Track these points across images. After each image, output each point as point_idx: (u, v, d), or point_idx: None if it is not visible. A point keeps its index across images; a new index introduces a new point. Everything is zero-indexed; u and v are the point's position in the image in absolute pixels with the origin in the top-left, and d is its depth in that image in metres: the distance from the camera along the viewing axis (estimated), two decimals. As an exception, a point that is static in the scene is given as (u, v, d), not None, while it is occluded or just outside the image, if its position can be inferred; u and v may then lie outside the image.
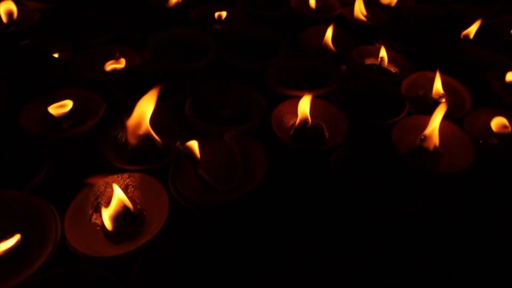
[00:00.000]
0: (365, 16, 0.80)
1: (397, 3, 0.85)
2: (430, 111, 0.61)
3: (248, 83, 0.62)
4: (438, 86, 0.61)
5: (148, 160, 0.51)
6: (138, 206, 0.47)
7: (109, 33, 0.71)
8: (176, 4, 0.80)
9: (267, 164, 0.46)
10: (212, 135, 0.52)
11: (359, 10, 0.79)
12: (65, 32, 0.72)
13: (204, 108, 0.59)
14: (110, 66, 0.65)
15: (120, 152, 0.53)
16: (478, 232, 0.48)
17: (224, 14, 0.77)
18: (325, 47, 0.70)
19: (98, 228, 0.45)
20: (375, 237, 0.47)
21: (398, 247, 0.46)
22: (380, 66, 0.67)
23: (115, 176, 0.47)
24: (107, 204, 0.45)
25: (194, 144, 0.48)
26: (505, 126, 0.56)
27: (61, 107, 0.54)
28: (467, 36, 0.73)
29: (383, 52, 0.66)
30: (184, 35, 0.72)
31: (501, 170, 0.53)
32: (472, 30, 0.72)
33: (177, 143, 0.49)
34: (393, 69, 0.69)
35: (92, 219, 0.45)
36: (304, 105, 0.55)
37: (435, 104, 0.62)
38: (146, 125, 0.52)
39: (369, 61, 0.70)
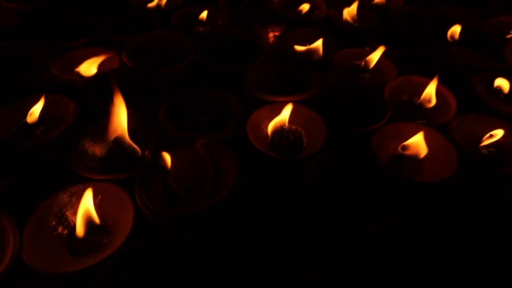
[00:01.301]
0: (352, 19, 0.78)
1: (386, 4, 0.83)
2: (413, 117, 0.60)
3: (228, 88, 0.61)
4: (431, 91, 0.59)
5: (119, 169, 0.49)
6: (105, 217, 0.45)
7: (88, 35, 0.69)
8: (159, 7, 0.79)
9: (238, 174, 0.45)
10: (184, 142, 0.51)
11: (348, 13, 0.77)
12: (43, 35, 0.70)
13: (179, 113, 0.58)
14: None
15: (89, 160, 0.51)
16: (461, 243, 0.46)
17: (204, 16, 0.75)
18: (307, 50, 0.68)
19: (61, 240, 0.43)
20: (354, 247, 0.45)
21: (375, 259, 0.45)
22: (365, 70, 0.65)
23: (81, 186, 0.46)
24: (73, 214, 0.44)
25: (163, 153, 0.47)
26: (490, 134, 0.54)
27: (30, 114, 0.52)
28: (453, 38, 0.71)
29: (373, 55, 0.64)
30: (164, 38, 0.70)
31: (485, 178, 0.51)
32: (455, 30, 0.70)
33: (146, 152, 0.48)
34: (379, 72, 0.67)
35: (55, 231, 0.43)
36: (284, 113, 0.53)
37: (419, 109, 0.60)
38: (121, 132, 0.50)
39: (354, 64, 0.68)
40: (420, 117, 0.59)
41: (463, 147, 0.54)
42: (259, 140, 0.55)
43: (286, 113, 0.52)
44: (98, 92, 0.59)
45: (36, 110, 0.53)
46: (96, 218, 0.44)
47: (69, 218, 0.44)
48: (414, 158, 0.53)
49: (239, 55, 0.70)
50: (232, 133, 0.53)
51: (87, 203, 0.44)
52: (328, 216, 0.44)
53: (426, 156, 0.54)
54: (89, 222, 0.43)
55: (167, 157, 0.46)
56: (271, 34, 0.79)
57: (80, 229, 0.43)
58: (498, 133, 0.53)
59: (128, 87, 0.63)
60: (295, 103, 0.54)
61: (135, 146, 0.49)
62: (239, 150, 0.51)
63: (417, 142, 0.51)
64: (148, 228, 0.44)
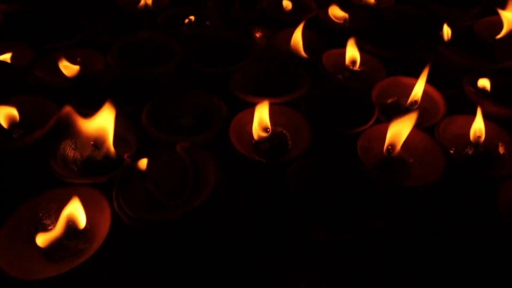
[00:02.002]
0: (342, 18, 0.77)
1: (377, 4, 0.83)
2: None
3: (216, 89, 0.60)
4: (417, 92, 0.58)
5: (99, 172, 0.49)
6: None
7: (74, 37, 0.68)
8: (147, 7, 0.78)
9: (217, 178, 0.44)
10: (166, 145, 0.50)
11: (332, 12, 0.76)
12: (29, 36, 0.70)
13: (163, 115, 0.57)
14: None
15: (70, 164, 0.51)
16: (449, 247, 0.46)
17: (193, 17, 0.74)
18: (295, 50, 0.67)
19: (37, 246, 0.42)
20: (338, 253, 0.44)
21: (360, 264, 0.44)
22: (351, 70, 0.64)
23: (59, 190, 0.45)
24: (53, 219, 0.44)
25: (142, 156, 0.46)
26: (478, 136, 0.53)
27: (8, 117, 0.52)
28: (444, 39, 0.70)
29: (351, 53, 0.63)
30: (151, 40, 0.69)
31: (473, 180, 0.50)
32: (446, 31, 0.69)
33: (125, 155, 0.47)
34: (366, 73, 0.66)
35: (31, 237, 0.42)
36: (261, 113, 0.52)
37: (407, 111, 0.59)
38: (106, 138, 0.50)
39: (341, 65, 0.67)
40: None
41: (450, 149, 0.53)
42: (243, 143, 0.54)
43: (264, 113, 0.51)
44: (82, 95, 0.58)
45: (11, 114, 0.53)
46: (80, 223, 0.43)
47: (46, 224, 0.44)
48: (401, 161, 0.52)
49: (227, 56, 0.69)
50: (215, 136, 0.52)
51: (74, 207, 0.43)
52: (312, 221, 0.43)
53: (414, 159, 0.53)
54: (69, 226, 0.43)
55: (146, 161, 0.46)
56: (261, 35, 0.78)
57: (58, 234, 0.42)
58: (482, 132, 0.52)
59: (112, 89, 0.62)
60: (276, 104, 0.53)
61: (113, 151, 0.49)
62: (223, 153, 0.51)
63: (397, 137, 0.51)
64: (127, 233, 0.43)
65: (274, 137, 0.53)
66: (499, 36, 0.69)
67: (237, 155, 0.50)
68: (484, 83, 0.60)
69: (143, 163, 0.46)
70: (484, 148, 0.53)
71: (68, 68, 0.60)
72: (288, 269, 0.43)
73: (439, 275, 0.44)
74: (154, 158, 0.48)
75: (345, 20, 0.75)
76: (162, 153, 0.49)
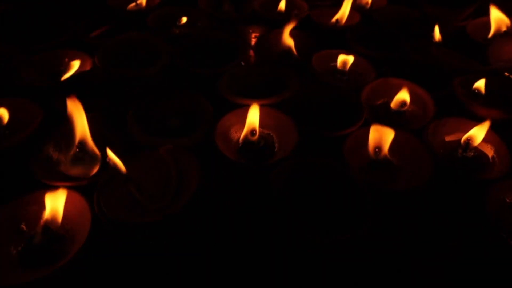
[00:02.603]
0: (335, 19, 0.76)
1: (371, 5, 0.82)
2: (390, 121, 0.58)
3: (204, 90, 0.59)
4: (403, 94, 0.57)
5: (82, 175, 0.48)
6: (65, 225, 0.44)
7: (62, 37, 0.68)
8: (138, 8, 0.77)
9: (199, 182, 0.43)
10: (150, 147, 0.49)
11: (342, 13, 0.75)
12: (15, 36, 0.69)
13: (150, 117, 0.56)
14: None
15: (54, 166, 0.50)
16: (434, 252, 0.45)
17: (184, 18, 0.73)
18: (286, 51, 0.66)
19: (15, 252, 0.42)
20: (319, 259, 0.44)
21: (344, 269, 0.43)
22: (342, 72, 0.63)
23: (39, 193, 0.44)
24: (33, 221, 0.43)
25: (125, 159, 0.45)
26: (468, 138, 0.52)
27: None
28: (436, 39, 0.69)
29: (343, 57, 0.62)
30: (140, 40, 0.68)
31: (461, 184, 0.50)
32: (439, 31, 0.68)
33: (107, 158, 0.46)
34: (356, 75, 0.65)
35: (9, 242, 0.42)
36: (252, 116, 0.51)
37: (396, 113, 0.58)
38: (82, 136, 0.49)
39: (332, 65, 0.66)
40: (397, 121, 0.58)
41: (439, 152, 0.52)
42: (230, 145, 0.53)
43: (254, 115, 0.51)
44: (67, 96, 0.57)
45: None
46: (58, 225, 0.42)
47: (24, 228, 0.43)
48: (388, 163, 0.52)
49: (216, 57, 0.68)
50: (200, 138, 0.52)
51: (55, 208, 0.43)
52: (296, 225, 0.42)
53: (402, 162, 0.52)
54: (49, 230, 0.42)
55: (129, 164, 0.45)
56: (252, 35, 0.77)
57: (38, 237, 0.42)
58: (474, 135, 0.51)
59: (100, 90, 0.62)
60: (263, 106, 0.53)
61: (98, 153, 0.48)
62: (209, 154, 0.50)
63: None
64: (107, 236, 0.43)
65: (260, 139, 0.52)
66: (490, 35, 0.68)
67: (222, 158, 0.49)
68: (478, 85, 0.59)
69: (126, 165, 0.45)
70: (474, 151, 0.53)
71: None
72: (272, 273, 0.42)
73: (426, 279, 0.43)
74: (137, 161, 0.47)
75: (337, 20, 0.75)
76: (145, 156, 0.48)
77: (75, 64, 0.60)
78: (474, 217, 0.45)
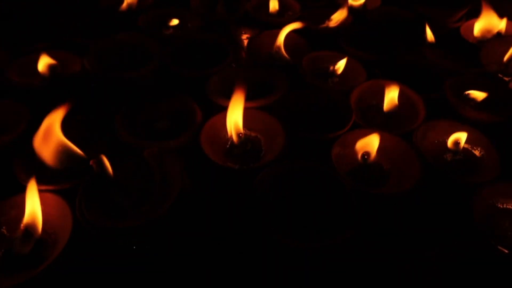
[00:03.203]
0: (327, 21, 0.76)
1: (364, 6, 0.81)
2: (381, 124, 0.57)
3: (194, 92, 0.59)
4: (392, 97, 0.57)
5: (66, 178, 0.48)
6: (46, 230, 0.43)
7: (51, 38, 0.67)
8: (130, 9, 0.77)
9: (182, 186, 0.42)
10: (136, 150, 0.49)
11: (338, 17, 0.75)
12: (5, 36, 0.69)
13: (138, 119, 0.56)
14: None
15: (39, 168, 0.50)
16: (420, 258, 0.44)
17: (175, 20, 0.73)
18: (276, 53, 0.66)
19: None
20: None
21: (326, 275, 0.43)
22: (332, 74, 0.63)
23: (20, 196, 0.44)
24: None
25: (108, 162, 0.45)
26: (456, 142, 0.51)
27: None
28: (429, 41, 0.68)
29: (342, 62, 0.61)
30: (131, 41, 0.68)
31: (449, 188, 0.49)
32: (432, 33, 0.68)
33: (91, 161, 0.46)
34: (347, 77, 0.64)
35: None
36: (235, 117, 0.51)
37: (387, 115, 0.58)
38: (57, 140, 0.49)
39: (323, 67, 0.66)
40: (387, 124, 0.57)
41: (427, 156, 0.52)
42: (217, 147, 0.53)
43: (236, 116, 0.50)
44: (55, 98, 0.57)
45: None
46: (38, 230, 0.42)
47: (5, 232, 0.43)
48: (377, 167, 0.51)
49: (207, 58, 0.68)
50: (186, 141, 0.51)
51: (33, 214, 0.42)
52: (279, 231, 0.41)
53: (391, 165, 0.52)
54: (29, 234, 0.42)
55: (111, 166, 0.45)
56: (244, 37, 0.77)
57: (18, 242, 0.41)
58: (461, 138, 0.50)
59: (89, 91, 0.62)
60: (251, 108, 0.52)
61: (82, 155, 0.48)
62: (196, 157, 0.50)
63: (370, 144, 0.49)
64: (89, 241, 0.42)
65: (248, 142, 0.52)
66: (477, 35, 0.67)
67: (208, 161, 0.49)
68: (475, 94, 0.59)
69: (109, 168, 0.45)
70: (463, 155, 0.52)
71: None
72: (257, 278, 0.42)
73: (412, 284, 0.42)
74: (121, 163, 0.47)
75: (328, 21, 0.74)
76: (129, 158, 0.48)
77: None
78: (463, 222, 0.45)
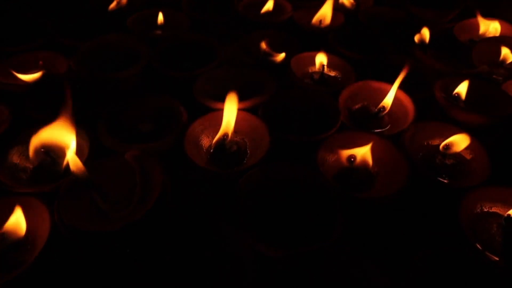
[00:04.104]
0: (319, 21, 0.75)
1: (357, 6, 0.80)
2: (369, 125, 0.56)
3: (181, 93, 0.58)
4: (388, 99, 0.56)
5: (47, 181, 0.47)
6: (26, 234, 0.43)
7: (39, 39, 0.67)
8: (120, 9, 0.76)
9: (162, 190, 0.42)
10: (118, 152, 0.48)
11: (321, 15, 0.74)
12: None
13: (122, 121, 0.55)
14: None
15: (19, 172, 0.49)
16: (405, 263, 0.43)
17: (161, 19, 0.72)
18: (265, 53, 0.65)
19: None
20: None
21: (309, 280, 0.42)
22: (321, 75, 0.62)
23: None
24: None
25: (88, 164, 0.44)
26: (446, 146, 0.50)
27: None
28: (421, 41, 0.67)
29: (321, 58, 0.60)
30: (119, 43, 0.67)
31: (437, 192, 0.48)
32: (424, 33, 0.67)
33: (68, 163, 0.45)
34: (338, 78, 0.63)
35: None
36: (226, 119, 0.50)
37: (376, 117, 0.57)
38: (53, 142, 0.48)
39: (312, 68, 0.65)
40: (376, 126, 0.56)
41: (415, 158, 0.51)
42: (201, 150, 0.52)
43: (229, 120, 0.49)
44: (39, 100, 0.57)
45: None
46: (18, 234, 0.41)
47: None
48: (364, 170, 0.50)
49: (196, 59, 0.67)
50: (172, 143, 0.50)
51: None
52: (260, 235, 0.40)
53: (378, 168, 0.51)
54: (6, 238, 0.41)
55: (93, 169, 0.44)
56: (234, 37, 0.76)
57: None
58: (453, 142, 0.49)
59: (75, 93, 0.61)
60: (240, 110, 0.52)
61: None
62: (180, 160, 0.49)
63: (364, 154, 0.48)
64: (67, 245, 0.42)
65: (233, 144, 0.51)
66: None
67: (190, 163, 0.48)
68: (460, 89, 0.58)
69: (90, 171, 0.44)
70: (452, 157, 0.51)
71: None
72: (239, 285, 0.41)
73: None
74: (102, 166, 0.46)
75: (320, 21, 0.73)
76: (110, 161, 0.47)
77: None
78: (450, 227, 0.44)
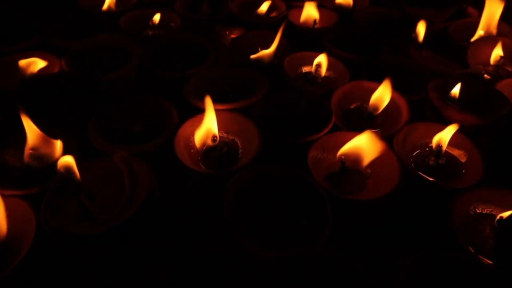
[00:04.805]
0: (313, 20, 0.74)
1: (353, 6, 0.80)
2: (362, 126, 0.56)
3: (174, 94, 0.58)
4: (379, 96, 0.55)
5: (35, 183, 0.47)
6: (11, 235, 0.42)
7: (30, 39, 0.66)
8: (110, 9, 0.76)
9: (149, 192, 0.41)
10: (106, 154, 0.47)
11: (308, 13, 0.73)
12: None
13: (113, 122, 0.55)
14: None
15: (9, 173, 0.49)
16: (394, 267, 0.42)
17: (157, 19, 0.72)
18: (260, 54, 0.64)
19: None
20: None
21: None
22: (315, 75, 0.61)
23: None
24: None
25: (74, 167, 0.43)
26: (438, 145, 0.49)
27: None
28: (416, 41, 0.67)
29: (320, 59, 0.60)
30: (111, 43, 0.67)
31: (428, 193, 0.47)
32: (419, 33, 0.66)
33: (58, 165, 0.45)
34: (332, 78, 0.63)
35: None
36: (209, 121, 0.49)
37: (370, 117, 0.56)
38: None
39: (306, 69, 0.64)
40: (370, 126, 0.55)
41: (408, 159, 0.50)
42: (191, 151, 0.51)
43: (210, 121, 0.49)
44: (29, 100, 0.56)
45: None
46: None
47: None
48: (356, 171, 0.49)
49: (188, 59, 0.67)
50: (162, 144, 0.50)
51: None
52: (248, 237, 0.40)
53: (371, 169, 0.50)
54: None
55: (82, 171, 0.43)
56: (229, 37, 0.75)
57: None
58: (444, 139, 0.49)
59: (66, 94, 0.60)
60: (223, 109, 0.51)
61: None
62: (171, 162, 0.49)
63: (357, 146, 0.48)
64: (54, 247, 0.41)
65: (223, 146, 0.51)
66: (472, 39, 0.66)
67: (180, 164, 0.47)
68: (454, 90, 0.57)
69: (77, 173, 0.44)
70: (446, 158, 0.50)
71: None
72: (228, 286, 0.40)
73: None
74: (90, 168, 0.46)
75: (314, 21, 0.72)
76: (99, 163, 0.46)
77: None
78: (442, 230, 0.43)
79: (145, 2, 0.77)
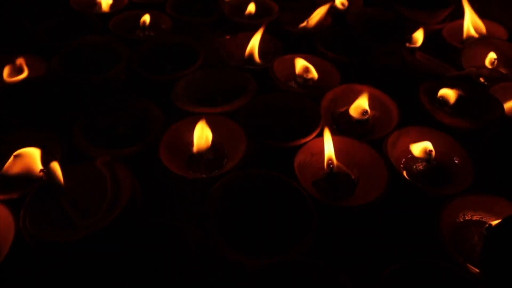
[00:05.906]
0: (307, 22, 0.73)
1: (348, 7, 0.79)
2: (352, 130, 0.55)
3: (162, 97, 0.57)
4: (362, 101, 0.54)
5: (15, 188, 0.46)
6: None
7: (18, 41, 0.66)
8: (101, 10, 0.75)
9: (131, 197, 0.40)
10: (89, 158, 0.47)
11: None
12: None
13: (99, 126, 0.54)
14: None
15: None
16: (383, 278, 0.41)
17: (147, 21, 0.71)
18: (249, 56, 0.63)
19: None
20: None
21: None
22: (305, 78, 0.60)
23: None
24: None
25: (58, 172, 0.43)
26: (428, 151, 0.48)
27: None
28: (410, 43, 0.66)
29: (300, 63, 0.59)
30: (99, 44, 0.66)
31: (418, 199, 0.46)
32: (413, 35, 0.65)
33: (40, 170, 0.44)
34: (320, 81, 0.62)
35: None
36: (200, 128, 0.49)
37: (359, 122, 0.55)
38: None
39: (297, 71, 0.63)
40: (359, 131, 0.54)
41: (398, 164, 0.49)
42: (177, 155, 0.51)
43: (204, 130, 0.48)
44: (13, 103, 0.55)
45: None
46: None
47: None
48: (345, 176, 0.49)
49: (178, 62, 0.66)
50: (147, 148, 0.49)
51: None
52: (229, 244, 0.39)
53: (360, 174, 0.49)
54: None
55: (61, 176, 0.43)
56: (219, 39, 0.75)
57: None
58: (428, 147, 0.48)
59: (53, 96, 0.60)
60: (210, 113, 0.50)
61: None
62: (156, 166, 0.48)
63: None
64: (33, 255, 0.40)
65: (210, 150, 0.50)
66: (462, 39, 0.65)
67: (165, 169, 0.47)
68: (445, 92, 0.56)
69: (60, 178, 0.43)
70: (436, 163, 0.49)
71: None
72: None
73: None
74: (73, 173, 0.45)
75: (307, 22, 0.72)
76: (82, 167, 0.46)
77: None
78: (430, 237, 0.42)
79: (138, 4, 0.76)
